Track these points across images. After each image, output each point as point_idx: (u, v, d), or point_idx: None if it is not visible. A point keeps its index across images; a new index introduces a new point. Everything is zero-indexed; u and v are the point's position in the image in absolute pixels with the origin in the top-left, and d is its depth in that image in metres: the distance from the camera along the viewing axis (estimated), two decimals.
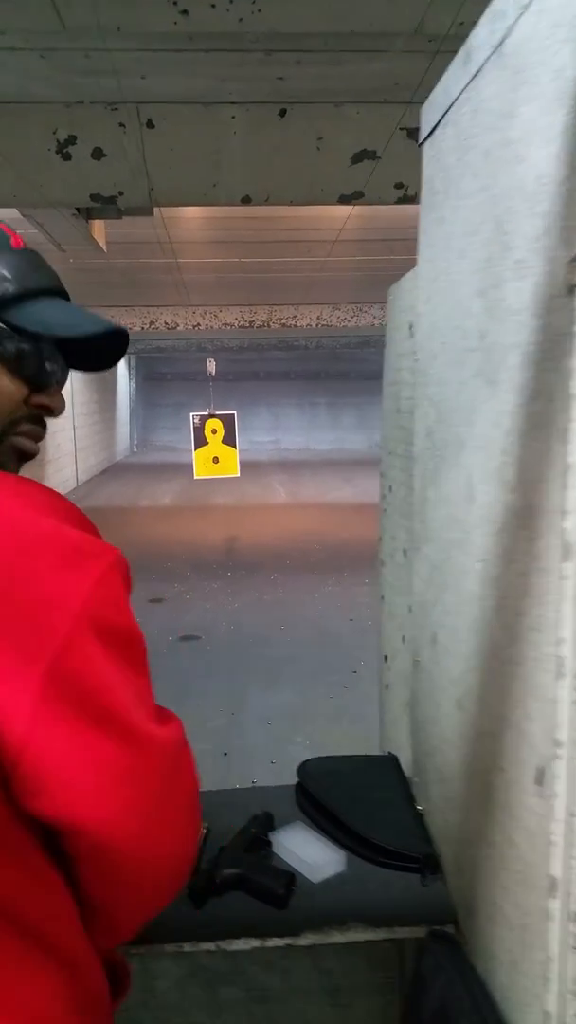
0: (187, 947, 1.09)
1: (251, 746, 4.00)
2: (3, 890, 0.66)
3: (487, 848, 0.95)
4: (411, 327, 1.42)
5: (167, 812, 0.72)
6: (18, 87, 3.56)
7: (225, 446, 6.44)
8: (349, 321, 12.40)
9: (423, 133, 1.23)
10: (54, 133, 4.01)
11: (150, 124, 4.03)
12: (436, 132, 1.16)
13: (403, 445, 1.50)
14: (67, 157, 4.13)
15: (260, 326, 12.46)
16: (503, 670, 0.88)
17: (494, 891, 0.92)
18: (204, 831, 1.31)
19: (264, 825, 1.29)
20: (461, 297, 1.03)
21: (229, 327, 12.40)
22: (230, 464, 6.37)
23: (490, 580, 0.92)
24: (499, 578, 0.89)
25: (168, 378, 22.03)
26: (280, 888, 1.14)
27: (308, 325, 12.69)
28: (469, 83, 0.99)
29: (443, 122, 1.12)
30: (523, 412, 0.82)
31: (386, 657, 1.69)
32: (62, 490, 13.34)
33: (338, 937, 1.10)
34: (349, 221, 5.99)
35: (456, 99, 1.05)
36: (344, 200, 4.56)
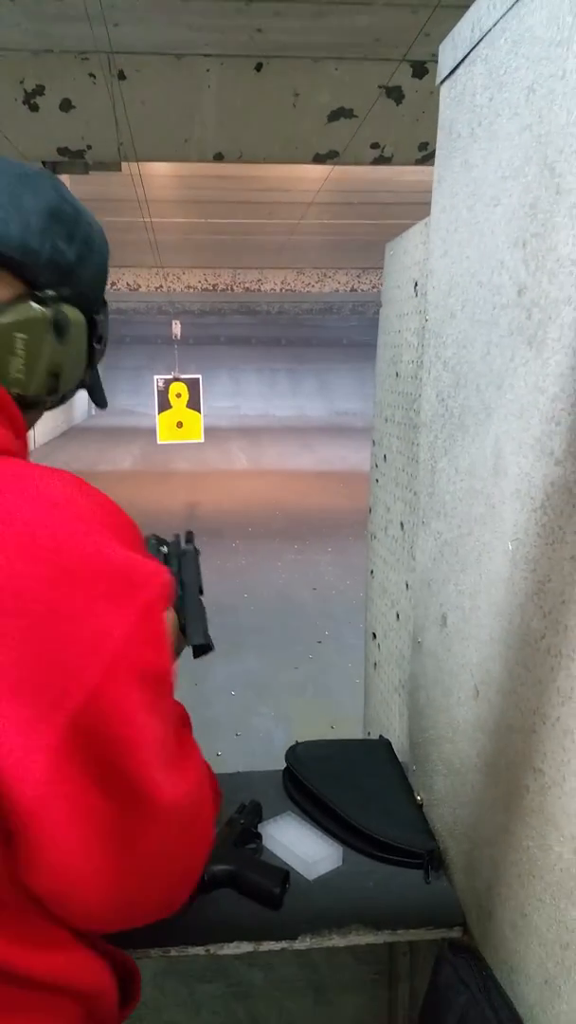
0: (174, 951, 1.01)
1: (216, 717, 3.93)
2: (8, 954, 0.60)
3: (513, 852, 0.87)
4: (416, 285, 1.32)
5: (157, 876, 0.67)
6: None
7: (189, 411, 6.28)
8: (314, 287, 12.23)
9: (441, 73, 1.12)
10: (21, 83, 3.79)
11: (122, 75, 3.83)
12: (459, 71, 1.05)
13: (402, 412, 1.41)
14: (34, 108, 3.92)
15: (223, 289, 12.22)
16: (541, 661, 0.80)
17: (522, 899, 0.85)
18: None
19: (253, 816, 1.21)
20: (492, 248, 0.93)
21: (192, 290, 12.14)
22: (194, 429, 6.21)
23: (525, 561, 0.83)
24: (538, 560, 0.80)
25: (128, 340, 21.53)
26: (275, 887, 1.06)
27: (272, 290, 12.49)
28: (508, 12, 0.89)
29: (469, 59, 1.01)
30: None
31: (375, 635, 1.61)
32: None
33: (338, 940, 1.03)
34: (326, 183, 5.83)
35: (489, 32, 0.94)
36: (319, 159, 4.41)
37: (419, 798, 1.23)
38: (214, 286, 12.19)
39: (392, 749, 1.39)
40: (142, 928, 0.83)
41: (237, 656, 4.68)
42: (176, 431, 6.15)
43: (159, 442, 6.14)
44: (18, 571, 0.54)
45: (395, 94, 3.75)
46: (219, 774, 1.44)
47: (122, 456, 13.38)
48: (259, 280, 12.38)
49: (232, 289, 12.43)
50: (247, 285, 12.35)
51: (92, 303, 0.82)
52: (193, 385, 6.21)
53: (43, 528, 0.57)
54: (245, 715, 3.97)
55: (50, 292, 0.74)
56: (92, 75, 3.73)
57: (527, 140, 0.84)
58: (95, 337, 0.84)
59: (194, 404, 6.20)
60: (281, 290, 12.56)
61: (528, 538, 0.83)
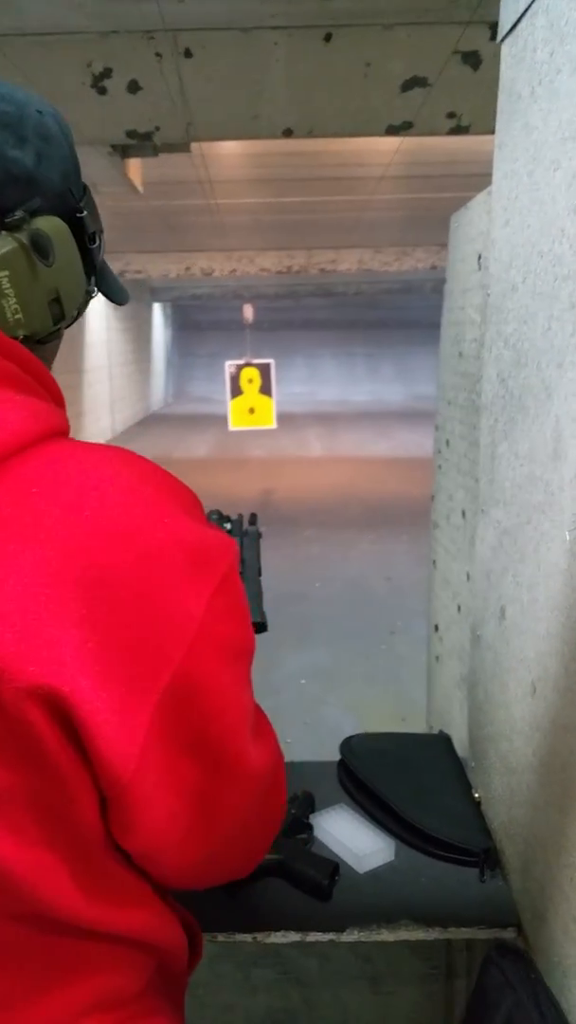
0: (221, 937, 1.00)
1: (284, 705, 3.93)
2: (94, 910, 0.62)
3: (567, 854, 0.83)
4: (480, 258, 1.26)
5: (239, 839, 0.70)
6: (51, 18, 3.37)
7: (262, 396, 6.27)
8: (392, 265, 12.00)
9: (502, 30, 1.05)
10: (88, 66, 3.81)
11: (188, 53, 3.81)
12: (520, 25, 0.99)
13: (465, 394, 1.35)
14: (102, 91, 3.93)
15: (298, 271, 12.15)
16: None
17: (574, 903, 0.80)
18: None
19: (305, 806, 1.19)
20: (553, 216, 0.87)
21: (266, 272, 12.11)
22: (266, 415, 6.20)
23: None
24: None
25: (204, 327, 21.75)
26: (324, 878, 1.04)
27: (348, 270, 12.34)
28: None
29: (531, 11, 0.95)
30: None
31: (437, 627, 1.57)
32: (97, 441, 13.21)
33: (386, 935, 1.00)
34: (397, 156, 5.69)
35: None
36: (392, 131, 4.30)
37: (476, 796, 1.19)
38: (288, 268, 12.12)
39: (451, 744, 1.35)
40: (192, 912, 0.85)
41: (308, 645, 4.67)
42: (248, 417, 6.15)
43: (231, 428, 6.16)
44: (97, 559, 0.54)
45: (471, 59, 3.61)
46: None
47: (197, 443, 13.53)
48: (334, 260, 12.24)
49: (307, 271, 12.33)
50: (322, 266, 12.23)
51: (70, 200, 0.72)
52: (265, 370, 6.20)
53: (116, 513, 0.56)
54: (314, 705, 3.96)
55: (18, 213, 0.65)
56: (158, 54, 3.71)
57: None
58: (86, 237, 0.74)
59: (266, 389, 6.19)
60: (357, 270, 12.39)
61: None
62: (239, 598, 0.62)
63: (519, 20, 0.99)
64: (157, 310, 19.51)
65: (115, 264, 11.77)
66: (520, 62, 0.99)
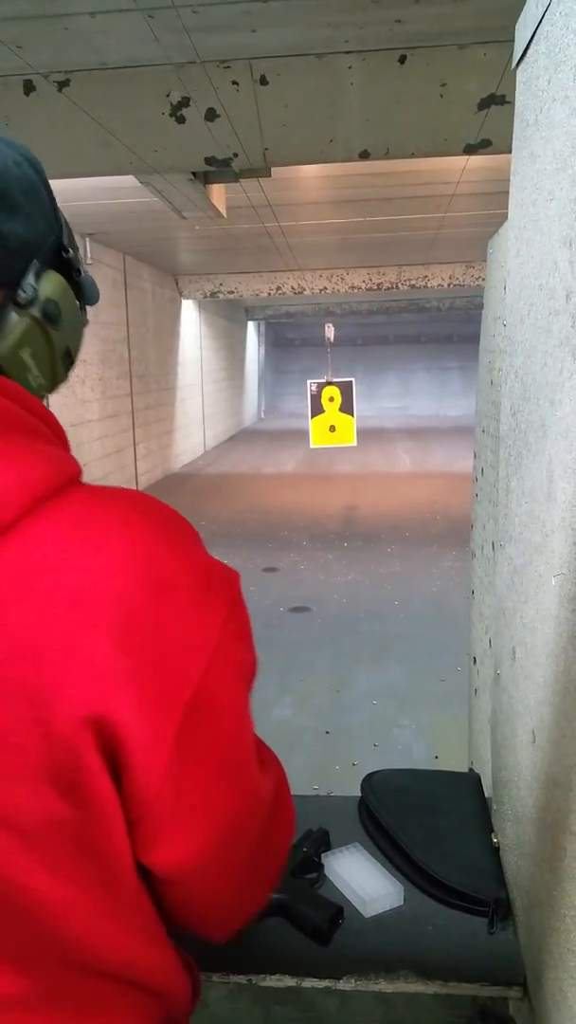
0: (216, 978, 1.00)
1: (354, 726, 3.89)
2: (117, 952, 0.63)
3: (556, 919, 0.79)
4: (505, 286, 1.23)
5: (257, 864, 0.71)
6: (129, 51, 3.50)
7: (342, 414, 6.26)
8: (483, 280, 11.79)
9: (516, 56, 1.03)
10: (167, 96, 3.92)
11: (263, 80, 3.87)
12: (529, 52, 0.96)
13: (495, 423, 1.31)
14: (181, 120, 4.04)
15: (388, 288, 12.10)
16: None
17: (561, 973, 0.76)
18: None
19: (318, 844, 1.17)
20: (548, 248, 0.84)
21: (356, 290, 12.12)
22: (347, 433, 6.19)
23: (567, 600, 0.75)
24: None
25: (296, 344, 21.95)
26: (324, 922, 1.02)
27: (439, 285, 12.21)
28: None
29: (536, 38, 0.92)
30: None
31: (475, 659, 1.52)
32: (189, 456, 13.67)
33: (384, 986, 0.97)
34: (465, 174, 5.62)
35: (548, 6, 0.85)
36: (470, 150, 4.24)
37: (495, 840, 1.14)
38: (378, 285, 12.10)
39: (480, 784, 1.31)
40: (188, 949, 0.85)
41: (381, 665, 4.61)
42: (328, 435, 6.16)
43: (312, 446, 6.17)
44: (119, 590, 0.57)
45: None
46: (296, 795, 1.42)
47: (286, 459, 13.64)
48: (425, 276, 12.15)
49: (397, 287, 12.29)
50: (413, 282, 12.16)
51: (57, 245, 0.71)
52: (346, 388, 6.19)
53: (132, 546, 0.59)
54: (385, 726, 3.90)
55: (27, 289, 0.66)
56: (235, 83, 3.79)
57: (575, 126, 0.75)
58: (73, 272, 0.73)
59: (347, 408, 6.17)
60: (449, 285, 12.26)
61: (571, 574, 0.74)
62: (247, 623, 0.66)
63: (527, 47, 0.96)
64: (251, 328, 19.83)
65: (208, 285, 12.06)
66: (528, 89, 0.96)
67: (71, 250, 0.72)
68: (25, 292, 0.66)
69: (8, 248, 0.65)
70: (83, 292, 0.75)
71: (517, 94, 1.03)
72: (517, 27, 1.02)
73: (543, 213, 0.87)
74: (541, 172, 0.88)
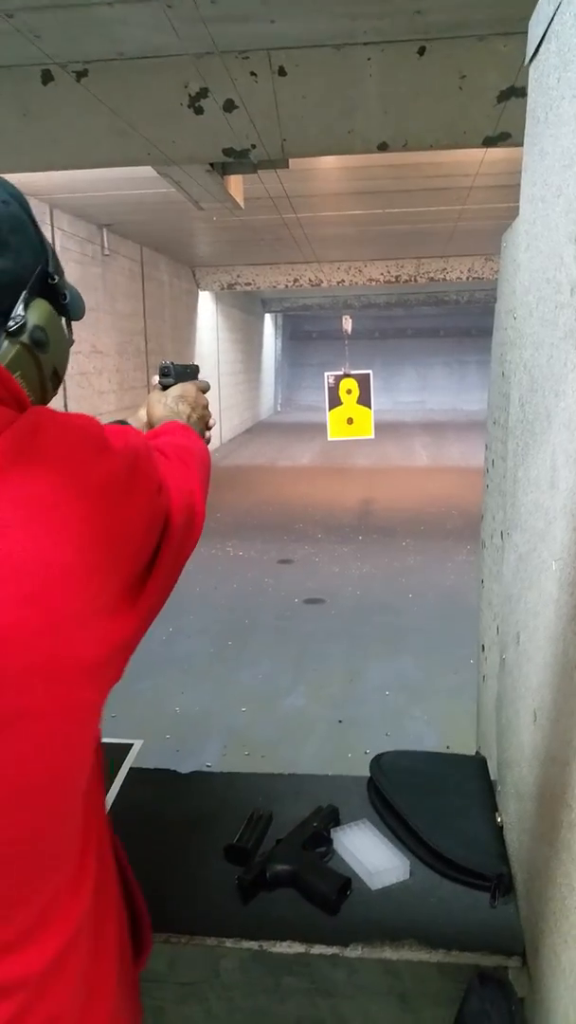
0: (229, 943, 1.04)
1: (367, 716, 3.93)
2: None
3: (553, 887, 0.82)
4: (516, 280, 1.25)
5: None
6: (146, 42, 3.52)
7: (360, 407, 6.25)
8: None
9: (529, 52, 1.05)
10: (185, 87, 3.94)
11: (282, 72, 3.88)
12: (540, 50, 0.98)
13: (505, 414, 1.34)
14: (199, 111, 4.06)
15: (407, 280, 12.07)
16: (574, 692, 0.74)
17: (555, 938, 0.80)
18: (268, 816, 1.25)
19: (328, 820, 1.21)
20: (556, 243, 0.87)
21: (374, 282, 12.10)
22: (364, 425, 6.18)
23: (566, 584, 0.78)
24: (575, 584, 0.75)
25: (314, 336, 21.93)
26: (332, 893, 1.06)
27: (458, 278, 12.16)
28: None
29: (547, 35, 0.95)
30: None
31: (483, 647, 1.55)
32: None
33: (389, 953, 1.02)
34: (483, 166, 5.61)
35: (560, 5, 0.87)
36: (489, 142, 4.23)
37: (499, 820, 1.18)
38: (396, 278, 12.08)
39: (486, 767, 1.34)
40: (202, 919, 0.94)
41: (394, 656, 4.65)
42: (346, 428, 6.15)
43: (329, 439, 6.18)
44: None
45: None
46: (308, 775, 1.46)
47: (302, 452, 13.66)
48: (444, 269, 12.11)
49: (416, 280, 12.25)
50: (431, 275, 12.13)
51: (43, 274, 0.75)
52: (364, 381, 6.18)
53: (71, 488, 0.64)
54: (397, 716, 3.93)
55: (17, 318, 0.71)
56: (253, 73, 3.80)
57: None
58: (59, 296, 0.77)
59: (364, 400, 6.16)
60: (468, 278, 12.21)
61: (570, 559, 0.77)
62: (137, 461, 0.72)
63: (539, 45, 0.99)
64: (268, 320, 19.83)
65: (225, 277, 12.08)
66: (539, 86, 0.99)
67: (56, 276, 0.77)
68: (15, 321, 0.71)
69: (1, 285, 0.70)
70: (68, 312, 0.80)
71: (529, 91, 1.05)
72: (530, 24, 1.04)
73: (551, 209, 0.89)
74: (550, 168, 0.91)
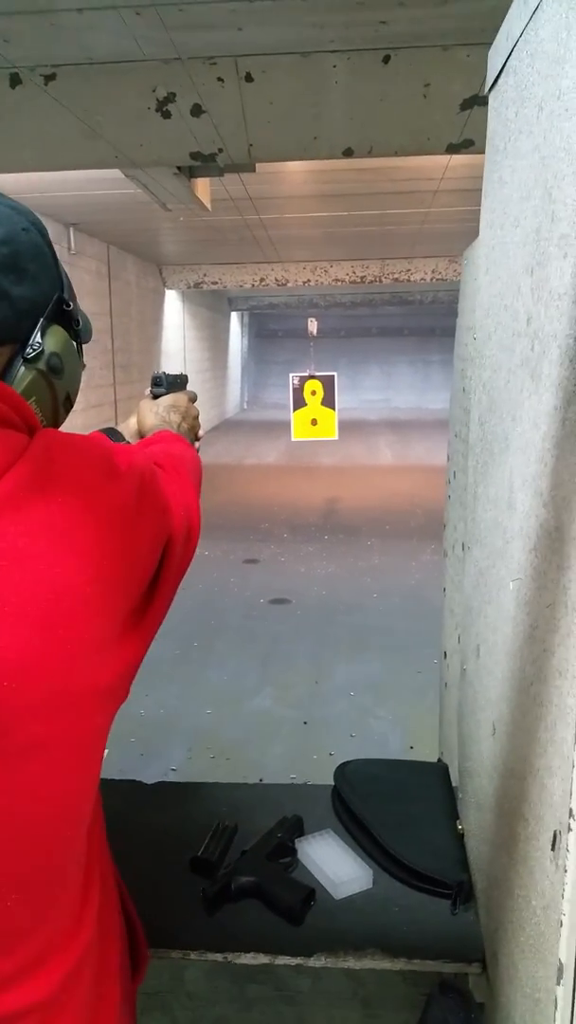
0: (194, 955, 1.05)
1: (332, 716, 3.96)
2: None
3: (510, 898, 0.85)
4: (476, 300, 1.28)
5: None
6: (115, 47, 3.50)
7: (324, 408, 6.27)
8: None
9: (488, 82, 1.08)
10: (153, 91, 3.92)
11: (248, 78, 3.89)
12: (499, 81, 1.01)
13: (466, 429, 1.37)
14: (167, 115, 4.04)
15: (372, 281, 12.14)
16: (531, 709, 0.77)
17: (512, 948, 0.83)
18: (233, 827, 1.27)
19: (292, 830, 1.23)
20: (513, 272, 0.89)
21: (340, 282, 12.16)
22: (329, 427, 6.21)
23: (523, 603, 0.80)
24: (531, 603, 0.77)
25: (280, 335, 21.92)
26: (296, 904, 1.08)
27: (422, 279, 12.26)
28: (528, 22, 0.85)
29: (505, 69, 0.97)
30: (559, 416, 0.69)
31: (445, 653, 1.59)
32: None
33: (352, 963, 1.03)
34: (448, 171, 5.68)
35: (517, 42, 0.90)
36: (453, 149, 4.27)
37: (460, 828, 1.21)
38: (362, 278, 12.15)
39: (448, 774, 1.37)
40: (167, 931, 0.92)
41: (360, 657, 4.68)
42: (310, 428, 6.17)
43: (293, 439, 6.19)
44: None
45: None
46: (272, 784, 1.48)
47: (268, 450, 13.68)
48: (408, 270, 12.21)
49: (381, 280, 12.33)
50: (396, 275, 12.21)
51: (59, 300, 0.76)
52: (328, 382, 6.20)
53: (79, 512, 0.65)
54: (362, 717, 3.97)
55: (35, 345, 0.72)
56: (220, 79, 3.81)
57: (535, 161, 0.80)
58: (73, 322, 0.79)
59: (329, 402, 6.19)
60: (432, 279, 12.32)
61: (526, 579, 0.79)
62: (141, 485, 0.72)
63: (498, 76, 1.01)
64: (234, 319, 19.79)
65: (192, 276, 12.03)
66: (499, 116, 1.01)
67: (71, 302, 0.78)
68: (33, 348, 0.72)
69: (18, 310, 0.71)
70: (80, 337, 0.81)
71: (489, 119, 1.08)
72: (490, 55, 1.07)
73: (509, 238, 0.92)
74: (508, 199, 0.93)
